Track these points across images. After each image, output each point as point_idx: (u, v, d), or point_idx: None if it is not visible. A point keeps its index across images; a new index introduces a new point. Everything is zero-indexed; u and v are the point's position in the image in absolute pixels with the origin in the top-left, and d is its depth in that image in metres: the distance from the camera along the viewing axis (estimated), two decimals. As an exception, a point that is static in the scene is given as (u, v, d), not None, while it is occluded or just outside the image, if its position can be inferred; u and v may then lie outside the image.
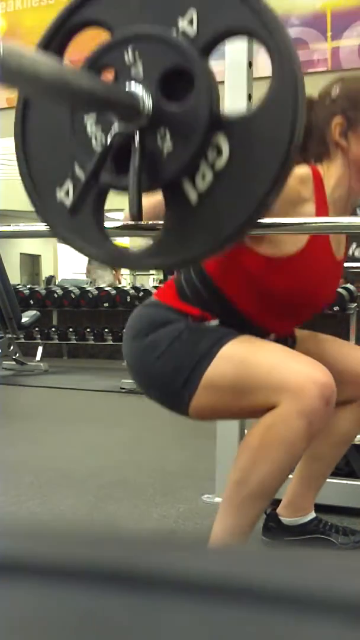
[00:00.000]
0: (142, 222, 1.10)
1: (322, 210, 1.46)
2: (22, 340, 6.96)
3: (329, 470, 1.73)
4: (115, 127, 0.97)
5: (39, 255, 16.12)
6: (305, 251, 1.43)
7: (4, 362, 6.37)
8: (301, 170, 1.43)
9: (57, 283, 11.02)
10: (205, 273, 1.48)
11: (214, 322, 1.46)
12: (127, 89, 0.96)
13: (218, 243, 0.99)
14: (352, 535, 1.79)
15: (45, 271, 15.71)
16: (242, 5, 0.92)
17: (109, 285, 8.73)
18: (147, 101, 0.95)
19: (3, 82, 0.78)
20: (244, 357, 1.38)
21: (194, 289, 1.48)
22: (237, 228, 0.97)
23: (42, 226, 1.13)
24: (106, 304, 7.71)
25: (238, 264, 1.44)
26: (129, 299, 7.53)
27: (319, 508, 1.84)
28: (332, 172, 1.47)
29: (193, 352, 1.39)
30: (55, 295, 8.03)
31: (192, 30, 0.96)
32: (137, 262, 1.06)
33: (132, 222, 1.04)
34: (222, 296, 1.47)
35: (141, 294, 7.52)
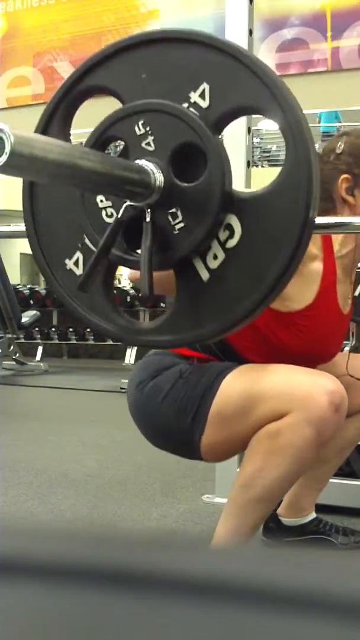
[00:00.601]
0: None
1: (329, 266, 1.46)
2: (22, 340, 6.96)
3: (332, 472, 1.73)
4: (127, 202, 0.95)
5: (39, 255, 16.11)
6: (313, 307, 1.43)
7: (4, 362, 6.37)
8: None
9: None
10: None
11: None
12: (138, 165, 0.94)
13: (229, 323, 0.97)
14: (352, 535, 1.79)
15: (45, 271, 15.71)
16: (255, 81, 0.90)
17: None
18: (159, 177, 0.93)
19: (14, 173, 0.76)
20: (248, 378, 1.36)
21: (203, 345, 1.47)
22: (249, 309, 0.95)
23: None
24: (106, 304, 7.70)
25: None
26: (129, 299, 7.53)
27: (319, 508, 1.84)
28: None
29: (196, 389, 1.38)
30: (55, 295, 8.02)
31: (204, 105, 0.94)
32: (146, 339, 1.05)
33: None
34: (231, 349, 1.47)
35: (141, 294, 7.50)
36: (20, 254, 15.17)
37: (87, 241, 1.03)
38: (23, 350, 6.68)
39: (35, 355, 7.28)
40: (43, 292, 8.24)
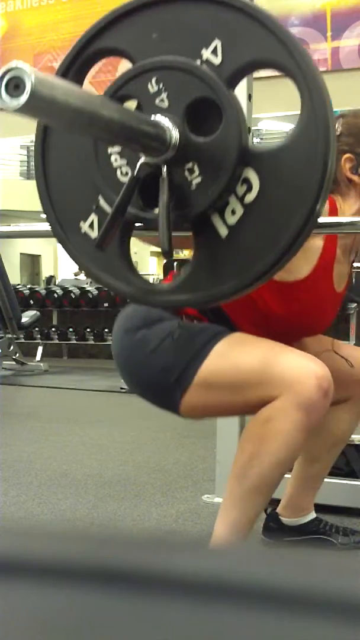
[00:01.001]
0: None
1: (330, 245, 1.46)
2: (22, 340, 6.96)
3: (326, 470, 1.73)
4: (142, 158, 0.94)
5: (39, 255, 16.13)
6: (308, 281, 1.43)
7: (4, 362, 6.37)
8: None
9: (57, 283, 11.04)
10: None
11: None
12: (154, 120, 0.93)
13: (249, 279, 0.96)
14: (352, 535, 1.79)
15: (45, 271, 15.73)
16: (268, 36, 0.90)
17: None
18: (174, 133, 0.93)
19: (34, 114, 0.75)
20: (239, 353, 1.36)
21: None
22: (270, 264, 0.94)
23: (42, 226, 1.12)
24: (106, 304, 7.71)
25: None
26: (129, 299, 7.52)
27: (319, 508, 1.84)
28: (346, 208, 1.47)
29: (186, 350, 1.38)
30: (55, 295, 8.03)
31: (216, 61, 0.93)
32: (164, 298, 1.04)
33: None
34: (220, 311, 1.47)
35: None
36: (20, 254, 15.20)
37: (101, 203, 1.02)
38: (23, 350, 6.68)
39: (35, 355, 7.28)
40: (43, 292, 8.25)
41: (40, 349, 7.40)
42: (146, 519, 2.05)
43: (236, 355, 1.36)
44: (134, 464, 2.77)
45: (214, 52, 0.94)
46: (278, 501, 1.79)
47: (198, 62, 0.94)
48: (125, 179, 0.96)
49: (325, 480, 2.00)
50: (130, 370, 1.47)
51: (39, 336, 7.62)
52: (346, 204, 1.47)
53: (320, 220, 1.41)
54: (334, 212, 1.45)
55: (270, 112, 4.38)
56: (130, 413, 4.30)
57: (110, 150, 0.99)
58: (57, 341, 7.84)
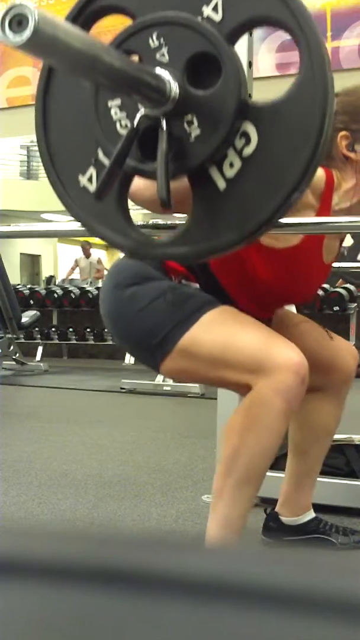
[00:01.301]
0: (161, 222, 1.09)
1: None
2: (22, 340, 6.96)
3: (317, 465, 1.73)
4: (142, 110, 0.96)
5: (39, 255, 16.14)
6: (296, 250, 1.44)
7: (4, 362, 6.37)
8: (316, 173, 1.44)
9: (57, 283, 11.05)
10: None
11: (194, 285, 1.47)
12: (155, 72, 0.95)
13: (246, 232, 0.97)
14: (352, 535, 1.79)
15: (45, 271, 15.73)
16: None
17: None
18: (174, 86, 0.94)
19: (36, 51, 0.76)
20: (223, 330, 1.38)
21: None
22: (267, 218, 0.96)
23: (42, 226, 1.12)
24: (106, 304, 7.70)
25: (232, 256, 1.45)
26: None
27: (319, 508, 1.84)
28: (342, 183, 1.48)
29: (173, 315, 1.40)
30: (55, 295, 8.03)
31: (217, 18, 0.95)
32: (162, 251, 1.05)
33: (150, 223, 1.01)
34: (207, 269, 1.48)
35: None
36: (20, 254, 15.20)
37: (100, 157, 1.03)
38: (23, 350, 6.68)
39: (35, 355, 7.28)
40: (43, 292, 8.25)
41: (40, 349, 7.40)
42: (146, 519, 2.05)
43: (220, 331, 1.38)
44: (134, 464, 2.77)
45: (215, 9, 0.95)
46: (277, 501, 1.79)
47: (199, 19, 0.96)
48: (124, 132, 0.98)
49: (325, 480, 2.00)
50: (117, 325, 1.50)
51: (39, 336, 7.62)
52: (343, 179, 1.48)
53: (321, 220, 1.41)
54: (331, 184, 1.46)
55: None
56: (130, 413, 4.30)
57: (110, 103, 1.01)
58: (57, 341, 7.85)
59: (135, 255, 1.12)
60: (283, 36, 2.70)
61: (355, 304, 6.88)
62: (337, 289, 7.02)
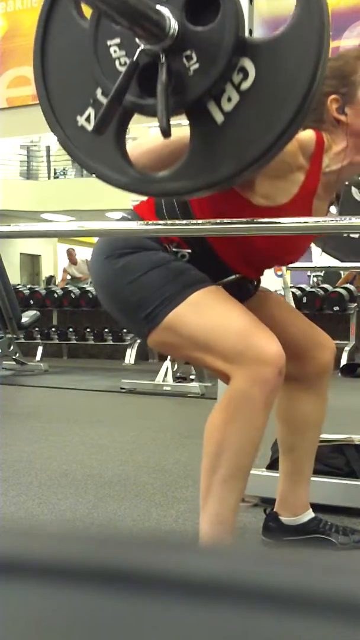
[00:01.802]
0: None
1: (312, 179, 1.47)
2: (22, 340, 6.96)
3: (308, 461, 1.73)
4: (141, 46, 0.98)
5: (39, 255, 16.13)
6: (284, 209, 1.45)
7: (4, 362, 6.37)
8: (305, 135, 1.45)
9: (57, 283, 11.05)
10: (187, 203, 1.50)
11: (186, 251, 1.48)
12: (155, 6, 0.96)
13: (244, 164, 0.99)
14: (351, 535, 1.79)
15: (45, 271, 15.72)
16: None
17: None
18: (173, 22, 0.96)
19: None
20: (208, 313, 1.41)
21: (172, 213, 1.50)
22: (264, 150, 0.97)
23: (42, 226, 1.13)
24: (106, 304, 7.70)
25: (220, 202, 1.46)
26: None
27: (319, 508, 1.84)
28: (332, 146, 1.49)
29: (162, 289, 1.42)
30: (55, 295, 8.03)
31: None
32: (161, 186, 1.06)
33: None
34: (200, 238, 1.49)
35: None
36: (20, 254, 15.20)
37: (99, 96, 1.04)
38: (23, 350, 6.68)
39: (35, 355, 7.28)
40: (43, 292, 8.25)
41: (40, 349, 7.41)
42: (146, 519, 2.05)
43: (205, 314, 1.41)
44: (134, 464, 2.77)
45: None
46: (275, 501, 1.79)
47: None
48: (124, 69, 0.99)
49: (325, 480, 2.00)
50: (107, 295, 1.52)
51: (39, 336, 7.62)
52: (333, 141, 1.49)
53: (321, 220, 1.41)
54: (321, 146, 1.47)
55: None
56: (130, 413, 4.30)
57: (109, 42, 1.02)
58: (57, 341, 7.84)
59: (134, 191, 1.13)
60: None
61: (355, 304, 6.88)
62: (337, 289, 7.01)
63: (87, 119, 1.06)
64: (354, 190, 2.10)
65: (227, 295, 1.44)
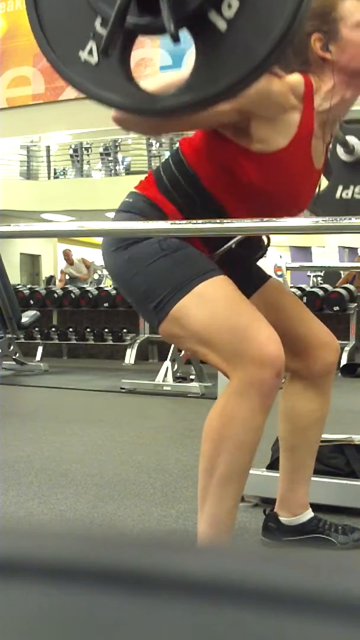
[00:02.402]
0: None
1: (307, 119, 1.48)
2: (22, 340, 6.96)
3: (308, 461, 1.73)
4: None
5: (39, 255, 16.13)
6: (285, 151, 1.45)
7: (4, 362, 6.37)
8: (293, 78, 1.46)
9: (57, 284, 11.07)
10: (185, 162, 1.50)
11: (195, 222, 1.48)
12: None
13: (248, 70, 0.99)
14: (351, 534, 1.79)
15: (45, 271, 15.73)
16: None
17: (108, 285, 8.75)
18: None
19: None
20: (211, 308, 1.41)
21: (172, 177, 1.50)
22: (267, 53, 0.98)
23: (42, 226, 1.13)
24: (106, 304, 7.71)
25: (217, 151, 1.47)
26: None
27: (319, 508, 1.84)
28: (322, 86, 1.50)
29: (168, 280, 1.43)
30: (55, 295, 8.03)
31: None
32: (167, 103, 1.06)
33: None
34: (199, 183, 1.49)
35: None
36: (20, 254, 15.19)
37: (98, 29, 1.05)
38: (23, 350, 6.68)
39: (35, 355, 7.28)
40: (43, 292, 8.25)
41: (40, 349, 7.40)
42: (146, 519, 2.05)
43: (208, 308, 1.41)
44: (134, 464, 2.77)
45: None
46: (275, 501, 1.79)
47: None
48: None
49: (325, 480, 2.00)
50: (121, 286, 1.55)
51: (39, 336, 7.62)
52: (322, 81, 1.50)
53: (320, 220, 1.41)
54: (310, 87, 1.48)
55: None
56: (130, 413, 4.30)
57: None
58: (57, 341, 7.84)
59: (141, 111, 1.14)
60: None
61: (355, 304, 6.88)
62: (337, 289, 7.02)
63: (90, 52, 1.07)
64: (339, 149, 2.10)
65: (233, 288, 1.44)
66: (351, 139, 2.06)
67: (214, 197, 1.49)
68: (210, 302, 1.41)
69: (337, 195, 2.15)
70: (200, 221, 1.37)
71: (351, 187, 2.14)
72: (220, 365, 1.39)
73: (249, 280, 1.61)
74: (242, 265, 1.59)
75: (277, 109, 1.43)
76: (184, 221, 1.44)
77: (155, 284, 1.44)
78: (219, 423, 1.38)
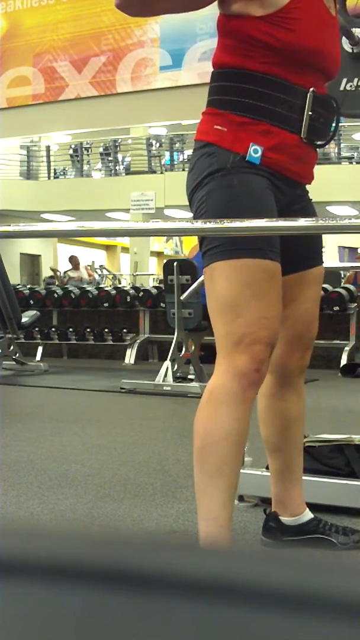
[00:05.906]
0: None
1: None
2: (22, 340, 6.96)
3: (298, 458, 1.72)
4: None
5: (39, 255, 16.13)
6: (296, 1, 1.46)
7: (4, 362, 6.37)
8: None
9: (57, 283, 11.07)
10: (225, 68, 1.51)
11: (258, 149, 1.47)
12: None
13: None
14: (351, 535, 1.79)
15: (45, 271, 15.72)
16: None
17: (108, 285, 8.75)
18: None
19: None
20: (234, 289, 1.44)
21: (226, 90, 1.50)
22: None
23: (42, 226, 1.12)
24: (106, 304, 7.71)
25: (240, 31, 1.47)
26: (129, 299, 7.53)
27: (319, 508, 1.84)
28: None
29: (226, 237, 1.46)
30: (55, 295, 8.03)
31: None
32: None
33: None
34: (250, 73, 1.49)
35: (141, 294, 7.53)
36: (20, 254, 15.18)
37: None
38: (23, 350, 6.68)
39: (35, 355, 7.28)
40: (43, 292, 8.25)
41: (40, 349, 7.40)
42: (146, 519, 2.05)
43: (232, 287, 1.45)
44: (134, 464, 2.77)
45: None
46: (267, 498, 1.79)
47: None
48: None
49: (325, 480, 2.00)
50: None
51: (39, 336, 7.62)
52: None
53: (320, 220, 1.41)
54: None
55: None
56: (130, 413, 4.30)
57: None
58: (57, 341, 7.84)
59: None
60: None
61: (355, 304, 6.88)
62: (337, 289, 7.02)
63: None
64: (344, 41, 2.09)
65: (265, 278, 1.44)
66: (357, 31, 2.05)
67: (272, 75, 1.49)
68: (236, 281, 1.44)
69: (342, 87, 2.13)
70: (200, 221, 1.37)
71: (355, 80, 2.13)
72: (218, 347, 1.45)
73: (293, 260, 1.60)
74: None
75: None
76: (184, 221, 1.44)
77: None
78: (205, 416, 1.43)
